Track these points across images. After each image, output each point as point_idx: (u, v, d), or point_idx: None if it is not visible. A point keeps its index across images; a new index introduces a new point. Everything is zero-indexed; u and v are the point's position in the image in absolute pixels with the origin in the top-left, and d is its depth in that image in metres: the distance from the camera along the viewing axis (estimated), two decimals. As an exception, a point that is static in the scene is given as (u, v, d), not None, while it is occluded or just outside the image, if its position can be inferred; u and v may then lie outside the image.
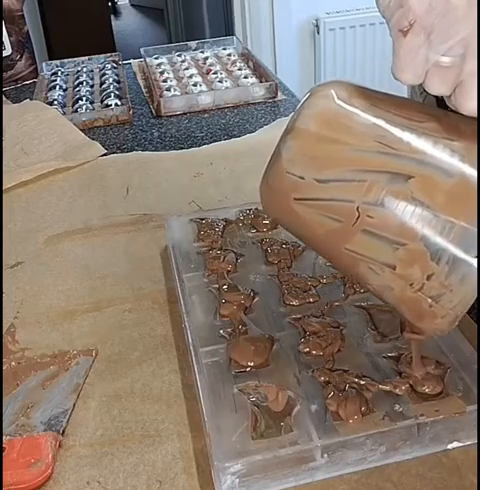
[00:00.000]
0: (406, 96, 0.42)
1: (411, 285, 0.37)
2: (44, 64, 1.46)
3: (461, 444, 0.48)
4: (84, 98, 1.25)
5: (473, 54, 0.34)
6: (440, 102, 0.39)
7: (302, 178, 0.39)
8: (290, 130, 0.40)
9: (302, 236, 0.43)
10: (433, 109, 0.39)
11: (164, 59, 1.46)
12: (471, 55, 0.34)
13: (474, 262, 0.36)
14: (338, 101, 0.39)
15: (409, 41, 0.35)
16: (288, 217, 0.41)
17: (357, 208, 0.38)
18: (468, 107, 0.35)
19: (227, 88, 1.25)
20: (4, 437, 0.52)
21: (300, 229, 0.42)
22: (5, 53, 1.39)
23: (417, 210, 0.37)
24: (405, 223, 0.37)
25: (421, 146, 0.37)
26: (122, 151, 1.07)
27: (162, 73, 1.36)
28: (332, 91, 0.40)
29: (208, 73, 1.35)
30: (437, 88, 0.36)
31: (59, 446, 0.52)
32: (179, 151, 1.06)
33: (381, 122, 0.38)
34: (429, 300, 0.37)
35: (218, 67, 1.37)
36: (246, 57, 1.43)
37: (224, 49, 1.49)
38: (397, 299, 0.39)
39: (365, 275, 0.40)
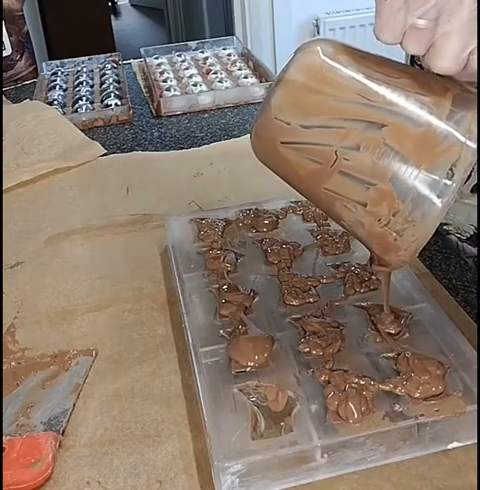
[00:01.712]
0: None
1: (379, 221, 0.42)
2: (44, 64, 1.46)
3: (461, 444, 0.48)
4: (84, 98, 1.25)
5: (445, 19, 0.38)
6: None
7: (288, 124, 0.43)
8: (279, 81, 0.44)
9: (286, 177, 0.47)
10: (409, 68, 0.43)
11: (164, 59, 1.46)
12: (443, 19, 0.38)
13: (434, 201, 0.41)
14: (324, 56, 0.43)
15: (389, 4, 0.39)
16: (275, 160, 0.46)
17: (335, 151, 0.42)
18: (438, 66, 0.39)
19: (227, 88, 1.25)
20: (4, 437, 0.52)
21: (285, 171, 0.46)
22: (5, 53, 1.39)
23: (387, 155, 0.41)
24: (376, 166, 0.42)
25: (395, 99, 0.41)
26: (122, 151, 1.07)
27: (162, 73, 1.36)
28: (319, 47, 0.44)
29: (208, 73, 1.34)
30: (413, 48, 0.40)
31: (59, 446, 0.52)
32: (179, 151, 1.06)
33: (361, 76, 0.42)
34: (394, 234, 0.42)
35: (218, 67, 1.37)
36: (246, 57, 1.43)
37: (224, 49, 1.49)
38: (367, 234, 0.44)
39: (340, 212, 0.44)
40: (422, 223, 0.42)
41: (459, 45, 0.38)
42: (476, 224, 0.74)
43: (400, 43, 0.40)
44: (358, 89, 0.42)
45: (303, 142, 0.43)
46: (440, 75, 0.41)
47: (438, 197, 0.41)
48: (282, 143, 0.44)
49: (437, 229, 0.78)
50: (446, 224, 0.77)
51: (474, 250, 0.75)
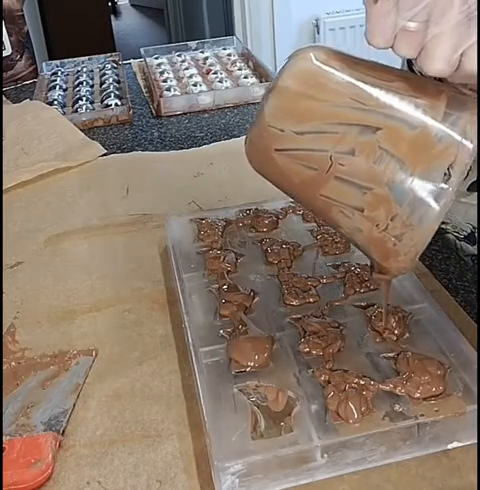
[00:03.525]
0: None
1: (377, 226, 0.42)
2: (44, 64, 1.46)
3: (461, 444, 0.48)
4: (84, 98, 1.25)
5: (435, 21, 0.38)
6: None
7: (282, 131, 0.43)
8: (272, 89, 0.44)
9: (281, 185, 0.46)
10: (403, 71, 0.43)
11: (164, 59, 1.46)
12: (433, 21, 0.38)
13: (431, 204, 0.40)
14: (316, 62, 0.43)
15: (379, 7, 0.38)
16: (269, 167, 0.45)
17: (330, 157, 0.42)
18: (431, 68, 0.39)
19: (227, 88, 1.25)
20: (4, 437, 0.52)
21: (280, 178, 0.46)
22: (5, 53, 1.39)
23: (383, 158, 0.41)
24: (372, 170, 0.41)
25: (389, 102, 0.41)
26: (122, 151, 1.07)
27: (162, 73, 1.36)
28: (311, 54, 0.43)
29: (208, 73, 1.34)
30: (404, 51, 0.39)
31: (59, 446, 0.52)
32: (179, 151, 1.06)
33: (354, 81, 0.42)
34: (393, 239, 0.42)
35: (218, 67, 1.37)
36: (246, 57, 1.43)
37: (224, 49, 1.49)
38: (365, 240, 0.44)
39: (337, 219, 0.44)
40: (420, 227, 0.41)
41: (450, 47, 0.38)
42: (473, 222, 0.74)
43: (391, 47, 0.40)
44: (351, 93, 0.42)
45: (297, 148, 0.43)
46: (435, 78, 0.41)
47: (435, 200, 0.40)
48: (276, 150, 0.44)
49: None
50: (444, 223, 0.78)
51: (472, 248, 0.75)
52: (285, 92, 0.44)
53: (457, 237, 0.76)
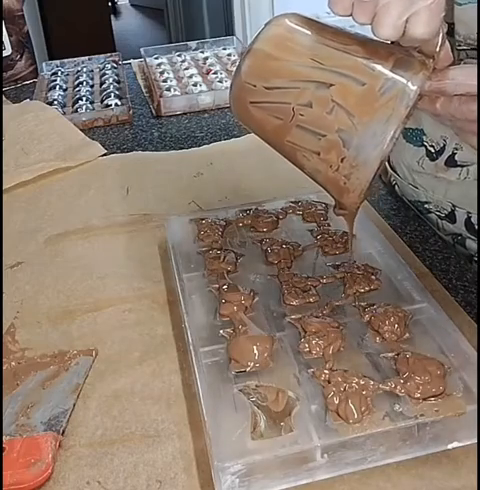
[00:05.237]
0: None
1: (331, 167, 0.49)
2: (44, 64, 1.46)
3: (461, 444, 0.48)
4: (84, 98, 1.25)
5: None
6: None
7: (255, 86, 0.50)
8: (248, 50, 0.51)
9: (257, 132, 0.53)
10: (364, 37, 0.49)
11: (164, 59, 1.46)
12: None
13: (372, 148, 0.46)
14: (285, 28, 0.50)
15: None
16: (247, 118, 0.53)
17: (293, 108, 0.49)
18: (380, 33, 0.45)
19: (227, 88, 1.25)
20: (4, 437, 0.52)
21: (255, 127, 0.53)
22: (5, 53, 1.39)
23: (334, 109, 0.47)
24: (326, 119, 0.48)
25: (343, 62, 0.48)
26: (122, 151, 1.07)
27: (162, 73, 1.36)
28: (283, 20, 0.51)
29: (208, 73, 1.34)
30: (360, 18, 0.45)
31: (59, 446, 0.52)
32: (179, 151, 1.06)
33: (316, 44, 0.49)
34: (343, 178, 0.49)
35: (218, 67, 1.37)
36: (246, 57, 1.43)
37: (224, 49, 1.49)
38: (323, 179, 0.50)
39: (301, 161, 0.51)
40: (364, 167, 0.47)
41: (396, 14, 0.43)
42: (453, 201, 0.77)
43: (351, 15, 0.46)
44: (312, 55, 0.48)
45: (267, 101, 0.50)
46: (392, 43, 0.46)
47: (376, 145, 0.46)
48: (251, 103, 0.51)
49: (418, 209, 0.83)
50: (427, 203, 0.80)
51: (452, 227, 0.78)
52: (258, 54, 0.50)
53: (439, 216, 0.78)
